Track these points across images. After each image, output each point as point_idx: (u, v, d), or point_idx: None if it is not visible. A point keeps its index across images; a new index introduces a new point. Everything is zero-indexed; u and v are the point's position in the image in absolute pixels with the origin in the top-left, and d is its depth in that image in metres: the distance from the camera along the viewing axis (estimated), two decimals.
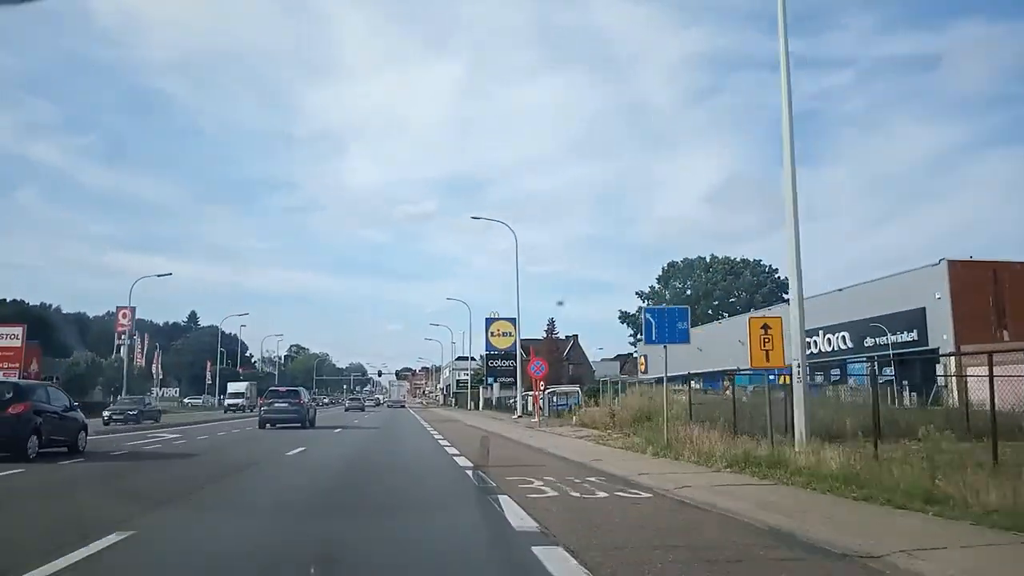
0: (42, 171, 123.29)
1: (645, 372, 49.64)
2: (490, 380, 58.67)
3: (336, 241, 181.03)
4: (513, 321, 53.31)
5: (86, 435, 16.48)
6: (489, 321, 56.74)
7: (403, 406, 78.06)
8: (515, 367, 49.10)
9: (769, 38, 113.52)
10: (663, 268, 79.65)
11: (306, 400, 30.34)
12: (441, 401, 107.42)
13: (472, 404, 65.21)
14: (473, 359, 76.13)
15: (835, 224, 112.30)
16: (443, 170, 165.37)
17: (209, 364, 78.35)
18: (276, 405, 28.91)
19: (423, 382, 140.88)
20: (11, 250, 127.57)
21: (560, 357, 71.93)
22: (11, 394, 13.95)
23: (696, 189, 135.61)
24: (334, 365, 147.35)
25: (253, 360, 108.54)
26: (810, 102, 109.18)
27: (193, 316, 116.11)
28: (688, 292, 75.06)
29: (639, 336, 64.43)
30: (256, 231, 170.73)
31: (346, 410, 61.44)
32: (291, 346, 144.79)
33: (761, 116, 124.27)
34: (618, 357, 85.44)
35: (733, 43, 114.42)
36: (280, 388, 33.69)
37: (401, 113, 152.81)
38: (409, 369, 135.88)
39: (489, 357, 58.30)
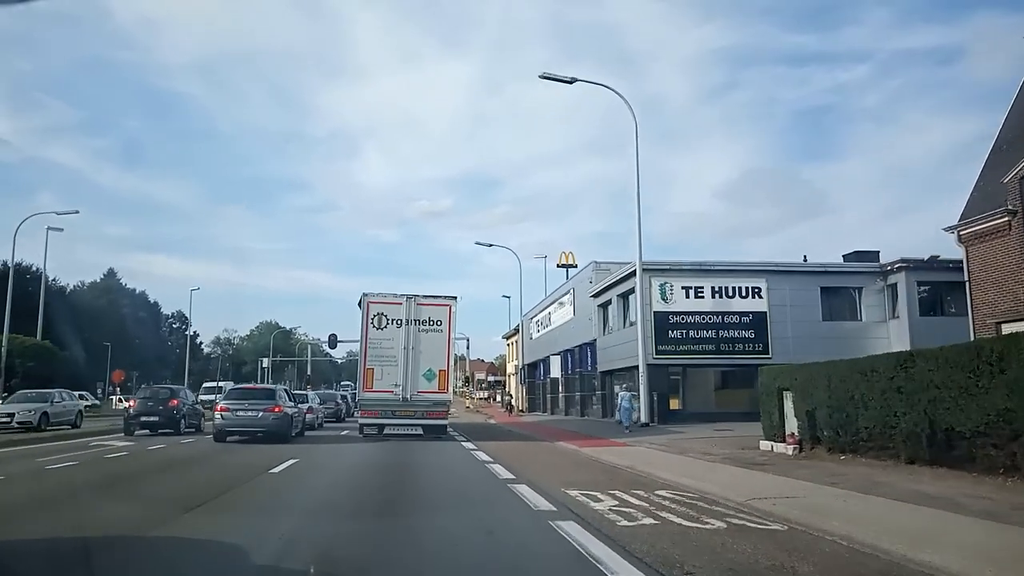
0: (58, 173, 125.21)
1: None
2: None
3: (348, 240, 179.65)
4: None
5: (203, 420, 25.08)
6: None
7: (444, 429, 20.33)
8: None
9: (784, 32, 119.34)
10: None
11: None
12: (552, 408, 43.82)
13: None
14: None
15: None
16: (457, 168, 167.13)
17: None
18: None
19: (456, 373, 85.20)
20: (20, 251, 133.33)
21: None
22: (170, 393, 23.15)
23: (711, 184, 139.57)
24: (321, 349, 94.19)
25: (200, 342, 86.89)
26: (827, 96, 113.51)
27: (111, 274, 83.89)
28: None
29: None
30: (268, 231, 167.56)
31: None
32: (259, 322, 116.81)
33: (776, 110, 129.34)
34: None
35: (748, 38, 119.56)
36: None
37: (414, 111, 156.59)
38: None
39: None
